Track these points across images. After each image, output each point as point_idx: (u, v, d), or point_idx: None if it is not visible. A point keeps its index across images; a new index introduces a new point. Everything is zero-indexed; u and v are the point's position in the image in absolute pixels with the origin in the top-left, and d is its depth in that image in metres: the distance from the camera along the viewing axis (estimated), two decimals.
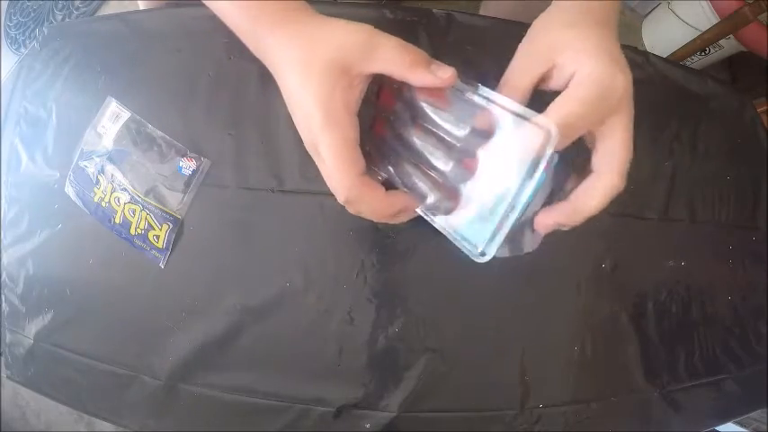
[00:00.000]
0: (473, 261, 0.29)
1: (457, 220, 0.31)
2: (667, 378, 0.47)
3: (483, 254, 0.29)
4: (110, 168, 0.49)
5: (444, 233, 0.32)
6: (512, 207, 0.27)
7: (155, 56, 0.50)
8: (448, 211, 0.31)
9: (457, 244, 0.31)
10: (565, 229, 0.29)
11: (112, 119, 0.49)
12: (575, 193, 0.28)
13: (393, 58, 0.28)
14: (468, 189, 0.30)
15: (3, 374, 0.53)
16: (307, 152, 0.30)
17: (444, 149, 0.31)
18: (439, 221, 0.32)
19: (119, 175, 0.48)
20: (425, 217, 0.33)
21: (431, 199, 0.32)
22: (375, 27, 0.29)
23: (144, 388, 0.47)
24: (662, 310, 0.48)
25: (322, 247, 0.45)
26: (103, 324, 0.49)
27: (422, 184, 0.32)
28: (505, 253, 0.31)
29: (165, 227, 0.47)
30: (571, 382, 0.45)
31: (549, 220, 0.29)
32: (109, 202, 0.49)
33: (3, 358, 0.54)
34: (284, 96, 0.30)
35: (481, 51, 0.46)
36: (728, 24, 0.90)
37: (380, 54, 0.28)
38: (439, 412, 0.44)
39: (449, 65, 0.29)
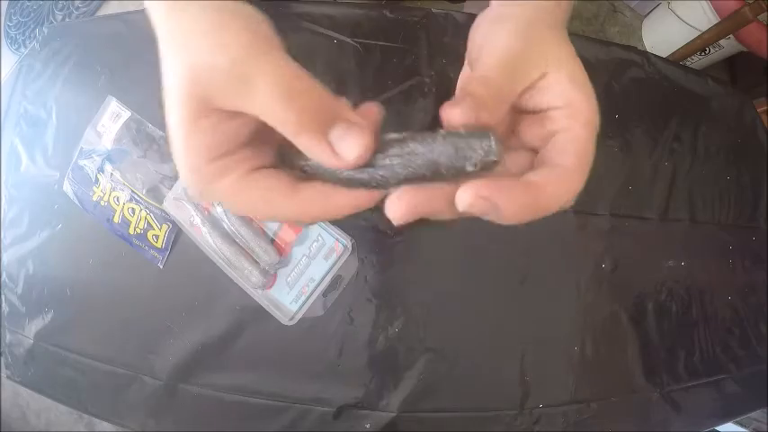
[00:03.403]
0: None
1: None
2: (667, 378, 0.47)
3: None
4: (109, 167, 0.49)
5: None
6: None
7: (155, 55, 0.49)
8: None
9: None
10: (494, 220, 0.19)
11: (112, 118, 0.49)
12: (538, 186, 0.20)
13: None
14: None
15: (3, 374, 0.53)
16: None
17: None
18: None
19: (118, 175, 0.48)
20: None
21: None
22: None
23: (144, 388, 0.47)
24: (662, 310, 0.48)
25: None
26: (103, 324, 0.49)
27: None
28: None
29: (164, 227, 0.47)
30: (571, 382, 0.45)
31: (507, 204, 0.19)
32: (108, 201, 0.49)
33: (3, 358, 0.54)
34: None
35: None
36: (728, 24, 0.90)
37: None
38: (439, 412, 0.44)
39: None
